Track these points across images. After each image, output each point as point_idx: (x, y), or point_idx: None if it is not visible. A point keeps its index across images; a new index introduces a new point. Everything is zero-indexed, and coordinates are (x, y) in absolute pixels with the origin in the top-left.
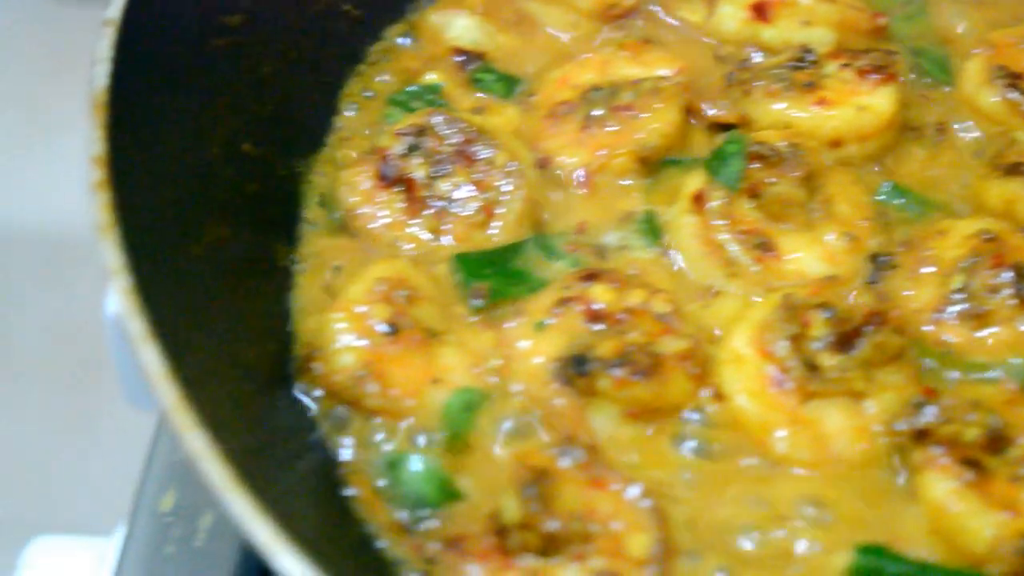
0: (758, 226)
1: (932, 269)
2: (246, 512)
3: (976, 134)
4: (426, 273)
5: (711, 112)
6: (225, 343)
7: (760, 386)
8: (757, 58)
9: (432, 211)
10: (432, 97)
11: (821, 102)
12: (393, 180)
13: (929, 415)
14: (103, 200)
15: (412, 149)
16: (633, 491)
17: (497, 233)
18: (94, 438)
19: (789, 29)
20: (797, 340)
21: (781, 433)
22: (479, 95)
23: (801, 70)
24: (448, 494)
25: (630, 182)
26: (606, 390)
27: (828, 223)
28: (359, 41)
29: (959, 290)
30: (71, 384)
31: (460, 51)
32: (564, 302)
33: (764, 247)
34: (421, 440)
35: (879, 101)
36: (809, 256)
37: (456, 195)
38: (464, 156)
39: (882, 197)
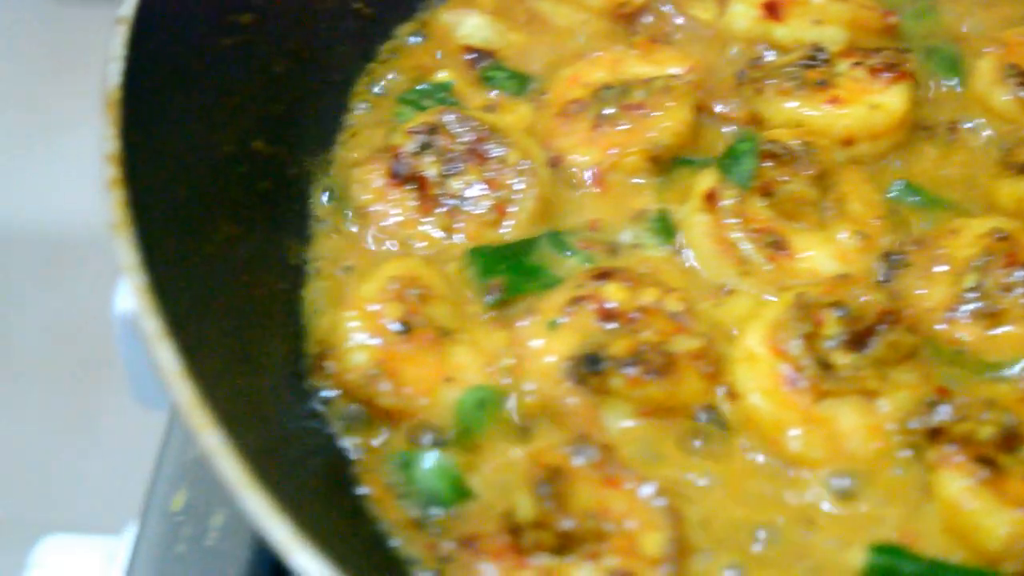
0: (770, 224)
1: (945, 268)
2: (262, 510)
3: (988, 132)
4: (438, 271)
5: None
6: (238, 341)
7: (774, 385)
8: (769, 56)
9: (444, 209)
10: (443, 95)
11: (833, 100)
12: (405, 178)
13: (943, 413)
14: (117, 198)
15: (424, 147)
16: (647, 490)
17: (509, 231)
18: (95, 438)
19: (801, 27)
20: (810, 339)
21: (795, 432)
22: (490, 93)
23: (813, 68)
24: (461, 492)
25: (642, 180)
26: (619, 389)
27: (840, 221)
28: (370, 39)
29: (972, 289)
30: (72, 384)
31: (471, 49)
32: (577, 301)
33: (777, 245)
34: (434, 438)
35: (891, 99)
36: (822, 254)
37: (468, 193)
38: (476, 154)
39: (894, 195)
